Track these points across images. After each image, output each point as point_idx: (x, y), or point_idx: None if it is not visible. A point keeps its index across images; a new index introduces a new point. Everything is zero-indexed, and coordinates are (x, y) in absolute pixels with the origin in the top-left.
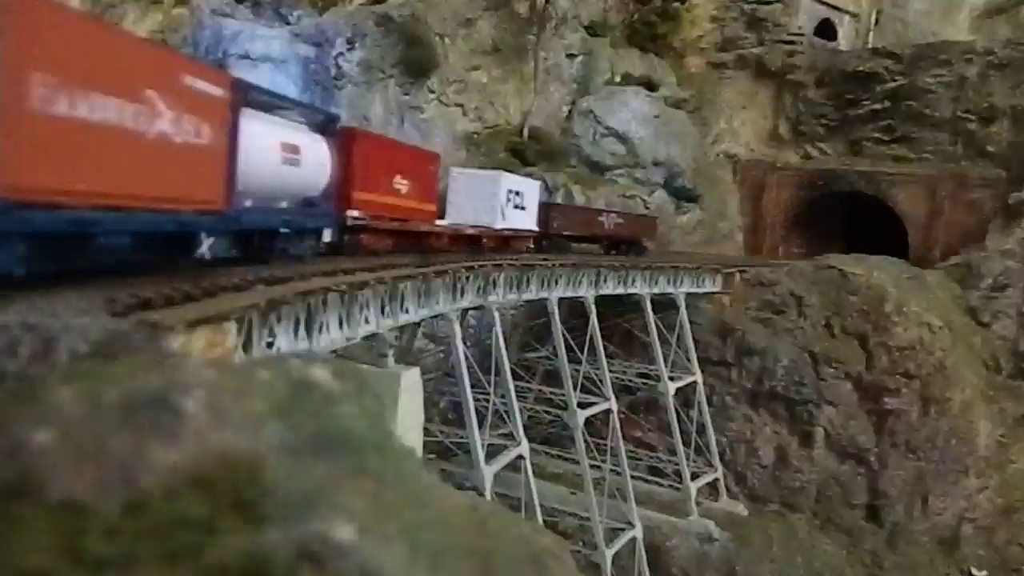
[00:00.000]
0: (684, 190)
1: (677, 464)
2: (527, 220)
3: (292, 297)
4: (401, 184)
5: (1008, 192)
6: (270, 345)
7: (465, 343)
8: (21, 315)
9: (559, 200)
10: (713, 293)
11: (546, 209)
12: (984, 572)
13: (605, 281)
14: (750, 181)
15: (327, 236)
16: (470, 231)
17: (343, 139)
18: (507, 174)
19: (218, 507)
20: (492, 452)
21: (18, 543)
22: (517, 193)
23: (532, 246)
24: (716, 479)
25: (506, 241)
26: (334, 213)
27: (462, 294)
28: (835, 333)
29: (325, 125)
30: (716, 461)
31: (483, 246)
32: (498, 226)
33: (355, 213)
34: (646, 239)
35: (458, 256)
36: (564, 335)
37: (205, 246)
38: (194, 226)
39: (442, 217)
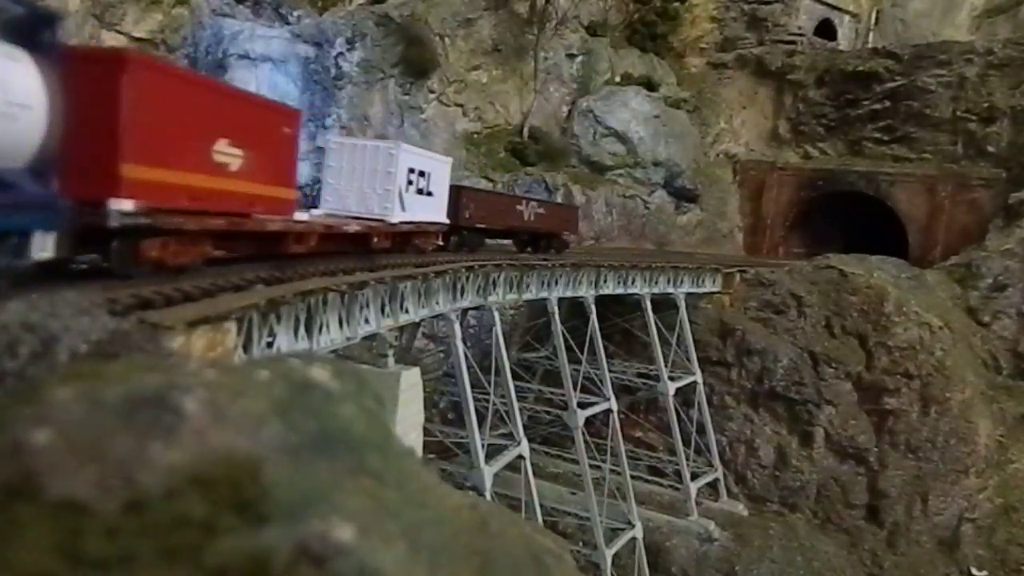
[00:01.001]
0: (684, 190)
1: (677, 464)
2: (435, 209)
3: (292, 297)
4: (229, 155)
5: (1008, 192)
6: (270, 345)
7: (465, 343)
8: (21, 315)
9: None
10: (713, 293)
11: (456, 194)
12: (984, 572)
13: (605, 281)
14: (750, 181)
15: (41, 247)
16: (353, 228)
17: (94, 66)
18: (408, 146)
19: (218, 507)
20: (492, 452)
21: (18, 543)
22: (421, 173)
23: (440, 243)
24: (716, 479)
25: (406, 239)
26: (60, 203)
27: (462, 294)
28: (835, 333)
29: (32, 31)
30: (716, 461)
31: (372, 247)
32: (395, 218)
33: (127, 205)
34: (567, 233)
35: (333, 264)
36: (564, 335)
37: None
38: None
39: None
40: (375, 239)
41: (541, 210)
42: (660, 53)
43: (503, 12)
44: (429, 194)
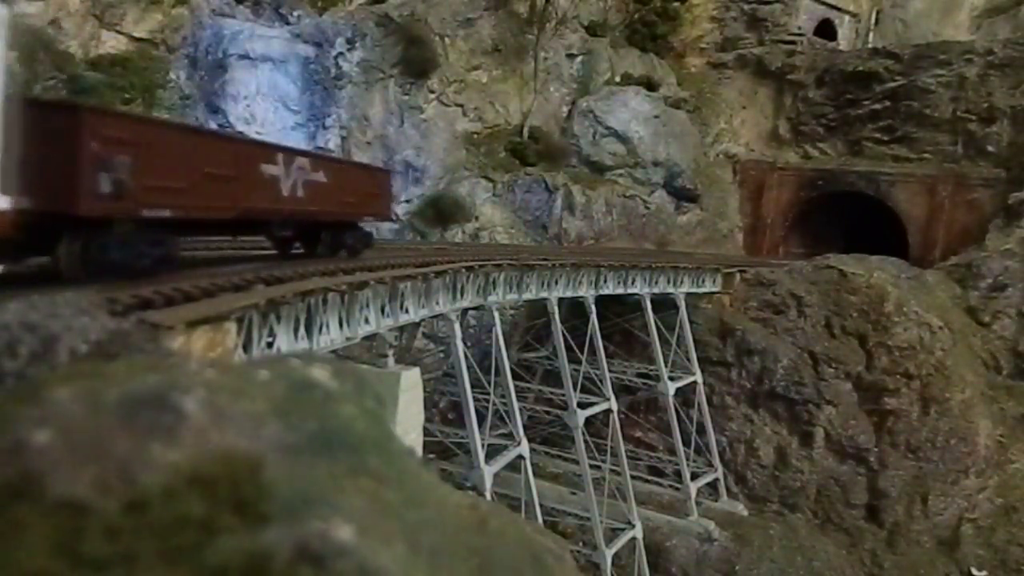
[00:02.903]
0: (684, 190)
1: (677, 464)
2: None
3: (292, 297)
4: None
5: (1008, 192)
6: (270, 345)
7: (465, 343)
8: (21, 315)
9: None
10: (713, 293)
11: (66, 124)
12: (984, 572)
13: (605, 281)
14: (750, 181)
15: None
16: None
17: None
18: None
19: (218, 507)
20: (492, 452)
21: (18, 543)
22: None
23: None
24: (716, 479)
25: None
26: None
27: (462, 294)
28: (835, 333)
29: None
30: (716, 461)
31: None
32: None
33: None
34: (372, 217)
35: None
36: (564, 335)
37: None
38: None
39: None
40: None
41: (320, 175)
42: (660, 53)
43: (503, 12)
44: None
